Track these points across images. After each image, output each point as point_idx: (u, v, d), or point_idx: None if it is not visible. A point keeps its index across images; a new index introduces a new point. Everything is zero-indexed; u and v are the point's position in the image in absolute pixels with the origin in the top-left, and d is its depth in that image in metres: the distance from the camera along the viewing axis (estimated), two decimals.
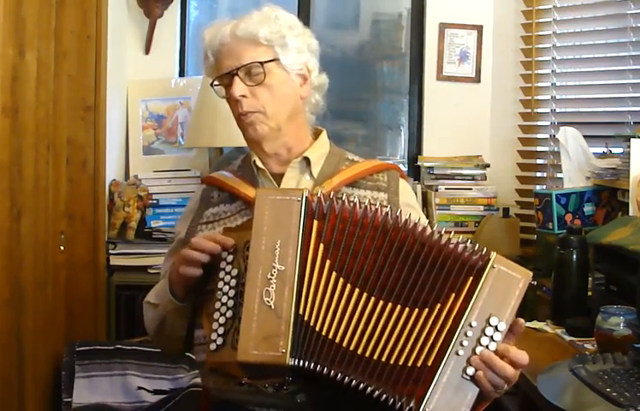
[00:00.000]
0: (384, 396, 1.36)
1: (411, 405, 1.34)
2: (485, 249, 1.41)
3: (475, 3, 3.49)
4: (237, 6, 3.81)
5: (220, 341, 1.43)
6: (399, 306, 1.40)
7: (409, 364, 1.37)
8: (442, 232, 1.43)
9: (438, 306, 1.39)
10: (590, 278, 2.32)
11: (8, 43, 2.26)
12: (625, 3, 3.04)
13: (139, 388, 2.78)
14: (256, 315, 1.40)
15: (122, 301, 3.15)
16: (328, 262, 1.44)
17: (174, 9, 3.52)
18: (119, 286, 3.15)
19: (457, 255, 1.40)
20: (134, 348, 2.85)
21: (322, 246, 1.44)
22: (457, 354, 1.36)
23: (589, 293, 2.32)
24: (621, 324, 1.90)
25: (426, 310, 1.39)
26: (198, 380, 2.41)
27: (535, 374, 1.78)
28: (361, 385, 1.37)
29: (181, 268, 1.55)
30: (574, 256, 2.32)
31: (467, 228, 3.27)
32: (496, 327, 1.36)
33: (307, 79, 1.73)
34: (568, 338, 2.16)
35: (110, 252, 3.20)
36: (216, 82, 1.72)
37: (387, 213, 1.46)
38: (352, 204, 1.47)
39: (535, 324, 2.34)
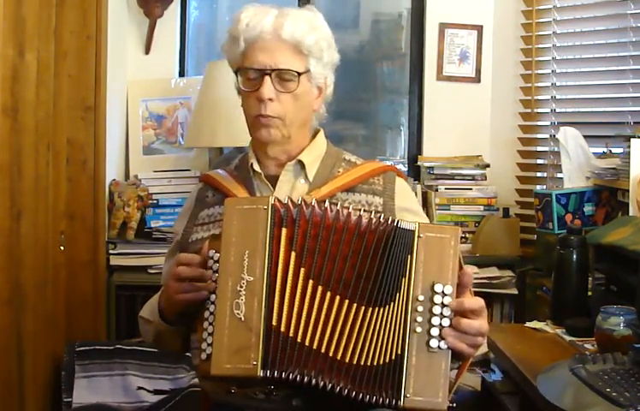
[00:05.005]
0: (367, 397, 1.37)
1: (393, 398, 1.36)
2: (395, 220, 1.43)
3: (475, 3, 3.49)
4: (237, 6, 3.80)
5: (209, 350, 1.44)
6: (370, 308, 1.41)
7: (381, 362, 1.38)
8: (362, 212, 1.45)
9: (398, 296, 1.40)
10: (590, 278, 2.32)
11: (8, 43, 2.25)
12: (625, 3, 3.04)
13: (139, 388, 2.78)
14: (227, 328, 1.41)
15: (122, 301, 3.15)
16: (302, 270, 1.43)
17: (174, 9, 3.51)
18: (119, 286, 3.15)
19: (380, 235, 1.42)
20: (134, 348, 2.85)
21: (293, 254, 1.43)
22: (415, 332, 1.38)
23: (589, 293, 2.32)
24: (621, 324, 1.90)
25: (392, 304, 1.40)
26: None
27: (535, 374, 1.78)
28: (346, 390, 1.38)
29: (170, 295, 1.55)
30: (574, 256, 2.32)
31: (467, 228, 3.27)
32: (443, 292, 1.39)
33: (322, 92, 1.71)
34: (568, 338, 2.16)
35: (110, 252, 3.19)
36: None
37: (360, 215, 1.45)
38: (322, 208, 1.45)
39: (535, 324, 2.34)
